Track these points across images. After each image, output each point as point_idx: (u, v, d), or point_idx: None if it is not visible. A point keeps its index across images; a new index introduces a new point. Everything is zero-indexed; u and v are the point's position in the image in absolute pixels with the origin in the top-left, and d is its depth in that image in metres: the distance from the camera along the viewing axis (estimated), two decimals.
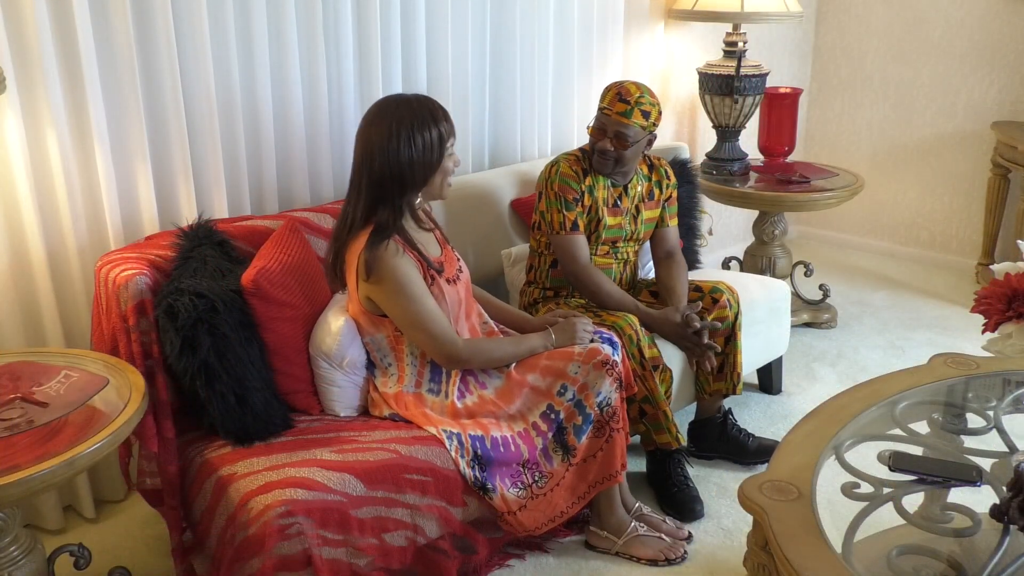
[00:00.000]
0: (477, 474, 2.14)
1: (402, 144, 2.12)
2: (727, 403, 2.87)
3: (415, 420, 2.19)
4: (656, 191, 2.78)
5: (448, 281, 2.25)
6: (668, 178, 2.80)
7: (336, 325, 2.23)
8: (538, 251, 2.75)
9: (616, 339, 2.35)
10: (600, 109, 2.62)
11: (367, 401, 2.30)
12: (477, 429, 2.18)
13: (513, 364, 2.31)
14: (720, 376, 2.76)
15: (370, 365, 2.29)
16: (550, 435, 2.24)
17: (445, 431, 2.15)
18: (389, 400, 2.24)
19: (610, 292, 2.63)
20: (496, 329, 2.44)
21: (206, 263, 2.16)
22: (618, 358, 2.29)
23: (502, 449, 2.18)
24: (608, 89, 2.63)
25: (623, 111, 2.56)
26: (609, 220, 2.69)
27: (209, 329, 2.04)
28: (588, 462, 2.28)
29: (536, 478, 2.23)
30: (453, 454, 2.12)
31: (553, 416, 2.24)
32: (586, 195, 2.64)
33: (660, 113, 2.63)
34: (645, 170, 2.77)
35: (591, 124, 2.65)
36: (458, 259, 2.37)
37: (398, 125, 2.12)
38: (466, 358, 2.21)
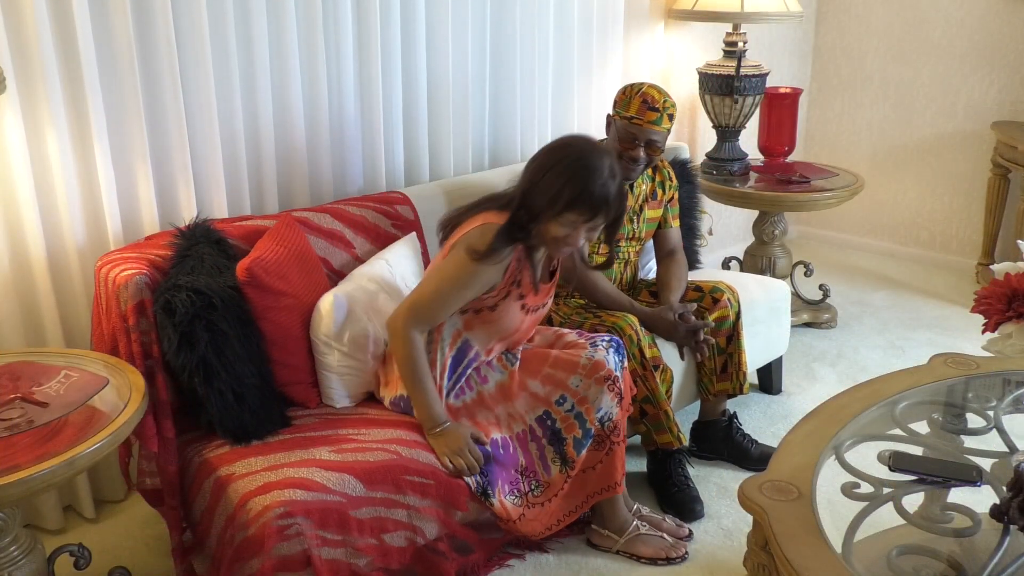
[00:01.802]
0: (479, 479, 2.14)
1: (538, 173, 2.11)
2: (731, 406, 2.87)
3: None
4: (659, 191, 2.79)
5: (524, 308, 2.25)
6: (671, 179, 2.81)
7: (326, 304, 2.24)
8: None
9: (619, 341, 2.35)
10: (627, 119, 2.57)
11: (371, 384, 2.31)
12: (476, 428, 2.18)
13: (517, 363, 2.32)
14: (724, 376, 2.76)
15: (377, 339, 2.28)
16: (545, 441, 2.24)
17: None
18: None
19: (607, 292, 2.63)
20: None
21: (203, 260, 2.16)
22: (620, 373, 2.28)
23: (501, 451, 2.18)
24: (629, 97, 2.59)
25: (655, 119, 2.55)
26: None
27: (207, 325, 2.04)
28: (587, 472, 2.28)
29: (532, 487, 2.23)
30: None
31: (549, 423, 2.24)
32: None
33: (676, 110, 2.65)
34: (649, 170, 2.77)
35: (617, 135, 2.60)
36: (549, 296, 2.35)
37: (555, 163, 2.10)
38: (397, 336, 2.14)
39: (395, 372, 2.25)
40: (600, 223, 2.13)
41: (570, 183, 2.06)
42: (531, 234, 2.14)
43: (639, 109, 2.56)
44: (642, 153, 2.59)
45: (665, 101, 2.58)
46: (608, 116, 2.67)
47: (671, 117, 2.59)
